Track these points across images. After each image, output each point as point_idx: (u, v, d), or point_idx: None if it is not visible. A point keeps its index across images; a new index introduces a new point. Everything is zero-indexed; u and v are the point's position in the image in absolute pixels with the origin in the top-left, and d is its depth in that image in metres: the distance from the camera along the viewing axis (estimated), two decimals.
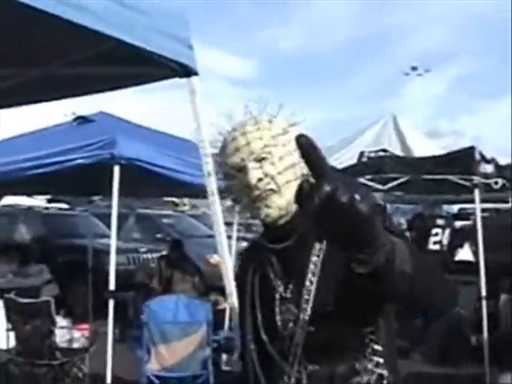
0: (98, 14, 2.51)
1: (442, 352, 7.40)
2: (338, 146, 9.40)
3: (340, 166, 7.52)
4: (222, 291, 6.39)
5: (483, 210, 13.40)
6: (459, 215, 13.52)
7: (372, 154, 7.66)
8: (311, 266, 1.62)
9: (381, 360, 1.60)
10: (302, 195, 1.10)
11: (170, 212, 17.23)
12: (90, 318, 8.09)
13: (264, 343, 1.69)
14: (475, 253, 8.87)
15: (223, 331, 7.19)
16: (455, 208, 15.75)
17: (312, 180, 1.06)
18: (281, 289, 1.68)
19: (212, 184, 3.26)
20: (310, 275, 1.61)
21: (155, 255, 11.04)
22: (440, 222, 9.87)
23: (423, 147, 8.73)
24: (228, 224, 12.66)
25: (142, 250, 11.88)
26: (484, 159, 6.84)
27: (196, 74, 3.04)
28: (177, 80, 3.15)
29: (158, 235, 13.45)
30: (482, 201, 7.58)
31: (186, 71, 3.01)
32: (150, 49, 2.72)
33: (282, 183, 1.64)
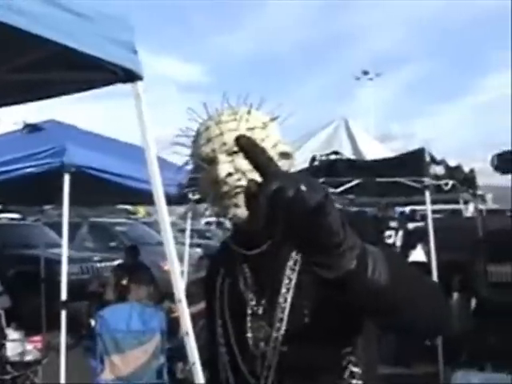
0: (39, 18, 2.48)
1: (397, 352, 7.46)
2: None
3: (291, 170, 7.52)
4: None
5: (436, 212, 13.66)
6: (412, 217, 13.70)
7: (324, 158, 7.68)
8: (285, 281, 1.51)
9: (360, 383, 1.48)
10: (249, 197, 1.01)
11: (123, 220, 17.07)
12: (43, 329, 7.94)
13: (236, 358, 1.58)
14: (428, 253, 9.01)
15: (178, 339, 7.14)
16: (407, 209, 15.97)
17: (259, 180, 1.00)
18: (253, 303, 1.56)
19: (158, 190, 3.23)
20: (283, 290, 1.51)
21: (109, 264, 10.93)
22: (393, 224, 9.99)
23: (374, 151, 8.82)
24: (181, 231, 12.55)
25: (96, 258, 11.73)
26: (434, 161, 6.94)
27: (141, 78, 3.00)
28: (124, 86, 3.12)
29: (112, 243, 13.35)
30: (434, 202, 7.70)
31: (131, 76, 2.96)
32: (94, 54, 2.69)
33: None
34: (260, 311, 1.54)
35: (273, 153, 1.51)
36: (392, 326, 1.30)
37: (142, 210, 24.98)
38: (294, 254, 1.53)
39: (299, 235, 0.98)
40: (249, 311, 1.56)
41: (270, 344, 1.50)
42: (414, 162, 6.82)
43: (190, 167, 1.65)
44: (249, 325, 1.55)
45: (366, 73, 45.59)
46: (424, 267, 8.56)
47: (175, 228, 18.19)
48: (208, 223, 29.20)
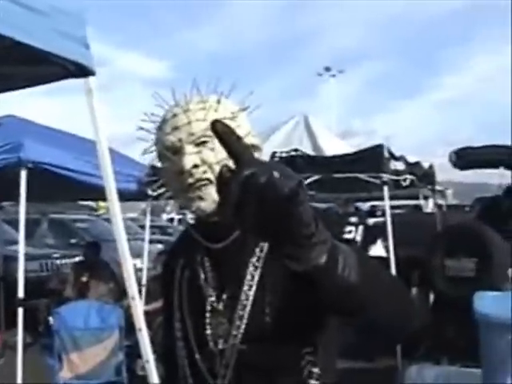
0: None
1: (358, 346, 7.51)
2: None
3: None
4: None
5: (396, 207, 13.77)
6: (372, 212, 13.81)
7: (284, 154, 7.69)
8: (248, 277, 1.47)
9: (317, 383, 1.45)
10: (221, 183, 0.97)
11: (83, 216, 16.88)
12: (1, 328, 7.83)
13: (194, 354, 1.53)
14: (387, 248, 9.10)
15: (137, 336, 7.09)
16: (366, 205, 16.08)
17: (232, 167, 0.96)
18: (212, 299, 1.51)
19: (111, 185, 3.20)
20: (245, 287, 1.46)
21: (69, 261, 10.81)
22: (353, 219, 10.07)
23: (334, 147, 8.88)
24: (142, 227, 12.50)
25: (56, 255, 11.59)
26: (393, 157, 7.01)
27: (93, 73, 2.97)
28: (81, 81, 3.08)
29: (72, 240, 13.20)
30: (393, 198, 7.77)
31: (83, 71, 2.92)
32: (45, 48, 2.63)
33: None
34: (220, 307, 1.50)
35: None
36: (357, 324, 1.26)
37: (103, 207, 24.75)
38: (257, 250, 1.48)
39: (270, 224, 0.94)
40: (208, 307, 1.51)
41: (229, 342, 1.46)
42: (372, 157, 6.88)
43: (151, 155, 1.58)
44: (208, 321, 1.51)
45: (328, 69, 45.81)
46: (384, 262, 8.67)
47: (137, 224, 18.08)
48: (170, 219, 29.07)
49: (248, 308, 1.45)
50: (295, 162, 7.45)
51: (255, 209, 0.92)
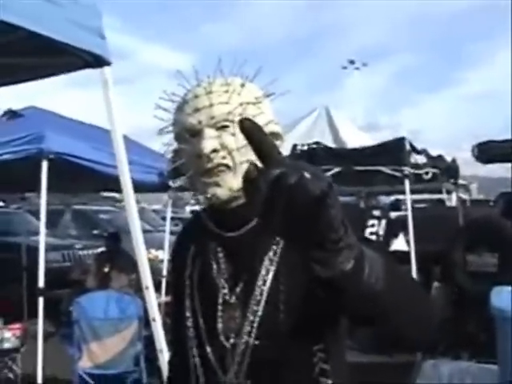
0: (7, 3, 2.44)
1: (376, 341, 7.48)
2: None
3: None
4: (156, 286, 6.34)
5: (418, 201, 13.66)
6: (395, 206, 13.71)
7: (305, 147, 7.64)
8: (263, 271, 1.42)
9: (329, 381, 1.42)
10: (248, 182, 0.93)
11: (106, 208, 16.97)
12: (24, 317, 7.91)
13: (204, 344, 1.48)
14: (409, 242, 9.04)
15: None
16: (390, 199, 15.94)
17: (260, 166, 0.92)
18: (225, 291, 1.47)
19: (125, 176, 3.21)
20: (260, 282, 1.42)
21: (92, 252, 10.89)
22: (376, 213, 9.99)
23: (357, 140, 8.80)
24: (164, 218, 12.56)
25: (78, 246, 11.71)
26: (415, 150, 6.95)
27: (108, 64, 2.98)
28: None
29: (95, 231, 13.28)
30: (415, 191, 7.71)
31: (98, 61, 2.94)
32: (60, 39, 2.66)
33: (239, 161, 1.39)
34: (232, 300, 1.45)
35: None
36: (379, 331, 1.22)
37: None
38: (274, 243, 1.44)
39: (298, 226, 0.90)
40: (220, 299, 1.47)
41: (241, 337, 1.42)
42: (393, 150, 6.83)
43: (168, 136, 1.53)
44: (219, 314, 1.46)
45: (352, 62, 45.55)
46: (405, 256, 8.62)
47: (160, 215, 18.12)
48: (193, 212, 29.07)
49: (262, 304, 1.41)
50: (316, 153, 7.41)
51: (283, 210, 0.88)
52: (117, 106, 3.05)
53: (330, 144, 8.27)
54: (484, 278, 6.56)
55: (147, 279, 3.33)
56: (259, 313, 1.41)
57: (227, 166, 1.40)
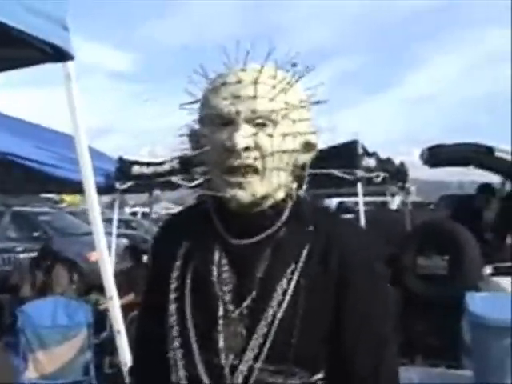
0: None
1: None
2: None
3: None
4: (103, 290, 6.16)
5: (364, 204, 13.76)
6: (340, 209, 13.80)
7: None
8: (278, 291, 1.28)
9: None
10: None
11: (47, 209, 16.54)
12: None
13: (195, 363, 1.30)
14: None
15: (106, 333, 6.93)
16: (334, 202, 16.06)
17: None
18: (228, 303, 1.30)
19: (89, 179, 3.02)
20: (274, 303, 1.27)
21: (32, 255, 10.57)
22: None
23: None
24: (107, 220, 12.34)
25: (19, 249, 11.33)
26: (366, 153, 6.93)
27: (72, 58, 2.75)
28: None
29: (35, 233, 12.90)
30: (364, 194, 7.70)
31: (61, 55, 2.70)
32: (19, 28, 2.39)
33: (270, 166, 1.27)
34: (235, 315, 1.29)
35: (298, 141, 1.33)
36: None
37: (67, 199, 24.33)
38: (293, 259, 1.30)
39: None
40: (220, 312, 1.30)
41: (244, 358, 1.27)
42: (346, 153, 6.77)
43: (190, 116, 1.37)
44: (220, 328, 1.29)
45: (294, 65, 45.96)
46: None
47: (102, 218, 17.75)
48: (133, 213, 28.64)
49: (275, 326, 1.26)
50: None
51: None
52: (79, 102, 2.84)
53: None
54: (434, 280, 6.61)
55: (111, 289, 3.14)
56: (270, 336, 1.27)
57: (256, 168, 1.27)
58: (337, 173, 6.86)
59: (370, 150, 7.40)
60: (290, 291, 1.28)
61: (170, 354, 1.35)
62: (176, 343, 1.33)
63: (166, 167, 7.46)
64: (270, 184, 1.28)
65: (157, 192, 10.38)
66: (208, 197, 1.37)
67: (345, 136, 7.04)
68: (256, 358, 1.26)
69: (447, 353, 5.30)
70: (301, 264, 1.30)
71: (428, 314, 6.49)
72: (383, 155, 7.74)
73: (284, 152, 1.28)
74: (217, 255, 1.35)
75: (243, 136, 1.25)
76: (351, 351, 1.31)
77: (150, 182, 7.24)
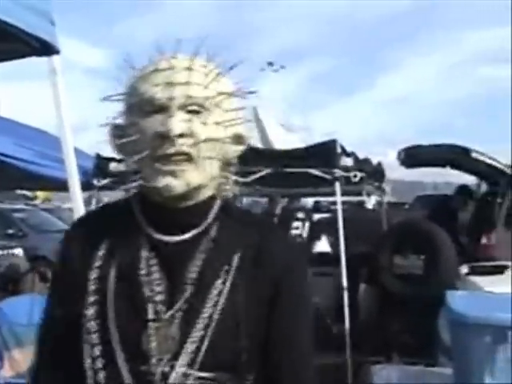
0: None
1: None
2: None
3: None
4: None
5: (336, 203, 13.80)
6: (316, 208, 13.84)
7: None
8: (213, 291, 1.23)
9: None
10: None
11: (22, 206, 16.39)
12: None
13: (120, 371, 1.20)
14: (332, 244, 9.10)
15: None
16: (310, 201, 16.10)
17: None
18: (158, 304, 1.22)
19: (74, 177, 2.99)
20: (209, 304, 1.22)
21: (7, 252, 10.45)
22: (300, 215, 10.00)
23: (283, 140, 8.75)
24: None
25: None
26: (345, 152, 6.96)
27: (57, 52, 2.71)
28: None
29: (10, 231, 12.76)
30: (341, 194, 7.73)
31: (47, 49, 2.66)
32: (5, 20, 2.34)
33: (203, 154, 1.21)
34: (167, 317, 1.21)
35: (229, 132, 1.28)
36: None
37: (40, 195, 24.08)
38: (227, 258, 1.26)
39: None
40: (150, 314, 1.22)
41: (178, 364, 1.19)
42: (324, 153, 6.79)
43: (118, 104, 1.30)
44: (151, 332, 1.21)
45: (270, 64, 45.78)
46: (329, 257, 8.67)
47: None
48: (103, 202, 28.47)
49: (212, 328, 1.20)
50: (244, 154, 7.28)
51: None
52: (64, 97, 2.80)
53: (257, 142, 8.18)
54: (410, 280, 6.66)
55: None
56: (207, 339, 1.20)
57: (190, 155, 1.21)
58: (315, 172, 6.88)
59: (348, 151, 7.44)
60: (225, 292, 1.23)
61: (86, 363, 1.23)
62: (96, 351, 1.22)
63: None
64: (204, 173, 1.23)
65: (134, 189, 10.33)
66: (138, 189, 1.32)
67: (320, 136, 7.07)
68: (191, 364, 1.19)
69: (423, 351, 5.34)
70: (235, 264, 1.26)
71: (404, 312, 6.54)
72: (359, 156, 7.79)
73: (217, 140, 1.24)
74: (144, 253, 1.27)
75: (179, 122, 1.20)
76: (277, 358, 1.29)
77: (127, 178, 7.21)
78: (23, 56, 2.78)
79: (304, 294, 1.35)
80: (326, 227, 9.87)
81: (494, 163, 7.39)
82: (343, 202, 14.70)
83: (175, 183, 1.19)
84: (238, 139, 1.32)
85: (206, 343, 1.19)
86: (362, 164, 7.64)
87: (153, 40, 1.29)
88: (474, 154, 7.22)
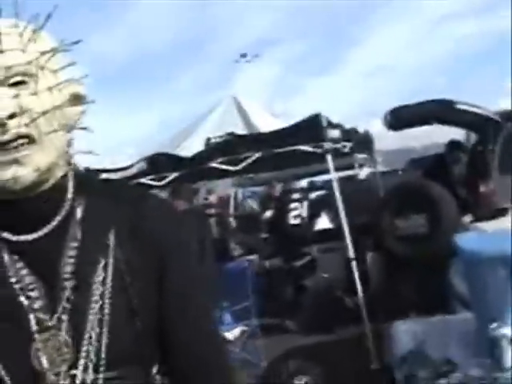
0: None
1: (317, 321, 7.45)
2: (182, 135, 9.11)
3: (188, 155, 7.34)
4: None
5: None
6: (312, 187, 13.78)
7: (218, 139, 7.44)
8: (96, 280, 1.08)
9: None
10: None
11: None
12: None
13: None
14: (333, 220, 9.08)
15: None
16: (304, 182, 16.03)
17: None
18: (36, 306, 1.06)
19: None
20: (94, 298, 1.07)
21: None
22: (296, 195, 9.95)
23: (269, 125, 8.67)
24: None
25: None
26: (331, 125, 6.91)
27: None
28: None
29: None
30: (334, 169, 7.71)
31: None
32: None
33: (45, 130, 1.03)
34: (52, 323, 1.06)
35: (64, 93, 1.09)
36: None
37: None
38: (104, 244, 1.11)
39: None
40: (33, 325, 1.05)
41: (78, 371, 1.05)
42: (310, 128, 6.74)
43: None
44: (39, 345, 1.04)
45: (243, 55, 45.65)
46: (331, 233, 8.66)
47: None
48: None
49: (106, 322, 1.07)
50: (232, 143, 7.25)
51: None
52: None
53: (244, 131, 8.13)
54: (415, 239, 6.65)
55: None
56: (104, 336, 1.06)
57: (30, 137, 1.02)
58: (304, 148, 6.83)
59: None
60: (109, 276, 1.09)
61: None
62: None
63: (134, 170, 7.39)
64: (52, 151, 1.05)
65: None
66: None
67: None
68: (95, 367, 1.06)
69: (439, 306, 5.32)
70: (112, 243, 1.11)
71: (414, 272, 6.54)
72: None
73: (56, 108, 1.05)
74: (6, 258, 1.08)
75: (4, 101, 1.00)
76: (175, 336, 1.17)
77: None
78: None
79: (189, 258, 1.23)
80: (324, 204, 9.86)
81: (480, 111, 7.37)
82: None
83: (23, 172, 1.01)
84: (76, 99, 1.12)
85: (104, 340, 1.06)
86: (349, 134, 7.62)
87: None
88: (459, 106, 7.19)
